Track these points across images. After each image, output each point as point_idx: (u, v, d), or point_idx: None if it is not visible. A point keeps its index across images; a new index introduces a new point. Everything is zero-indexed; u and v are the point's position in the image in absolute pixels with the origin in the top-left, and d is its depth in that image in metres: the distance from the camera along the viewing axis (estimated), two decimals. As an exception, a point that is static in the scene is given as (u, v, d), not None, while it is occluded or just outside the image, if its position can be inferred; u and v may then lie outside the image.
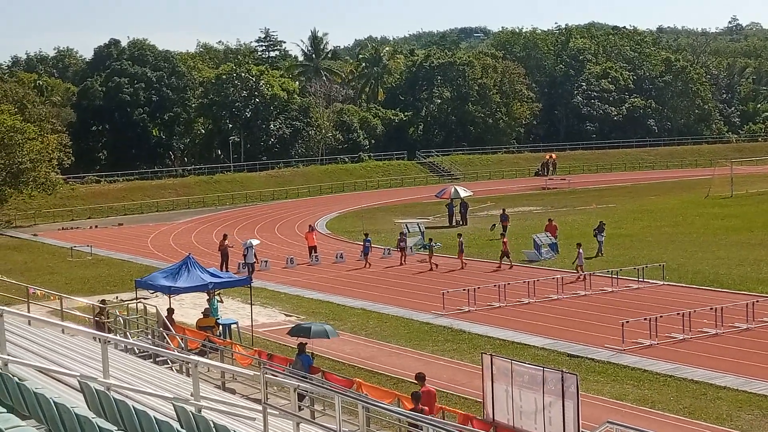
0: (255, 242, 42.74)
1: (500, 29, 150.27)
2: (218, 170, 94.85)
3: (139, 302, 28.91)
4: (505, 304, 32.61)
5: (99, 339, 13.50)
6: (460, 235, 44.26)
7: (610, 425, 9.02)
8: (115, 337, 23.89)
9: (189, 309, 32.33)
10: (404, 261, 43.50)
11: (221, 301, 32.77)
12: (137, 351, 22.23)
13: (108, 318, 27.02)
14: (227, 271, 38.65)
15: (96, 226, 69.49)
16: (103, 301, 28.48)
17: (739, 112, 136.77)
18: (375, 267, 43.17)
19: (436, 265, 41.57)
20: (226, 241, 44.09)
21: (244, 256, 41.45)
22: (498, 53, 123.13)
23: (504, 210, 53.67)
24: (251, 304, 29.92)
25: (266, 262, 43.47)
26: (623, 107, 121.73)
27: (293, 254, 46.24)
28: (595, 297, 33.69)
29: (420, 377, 18.87)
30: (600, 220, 45.68)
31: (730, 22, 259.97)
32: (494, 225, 51.89)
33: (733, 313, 28.50)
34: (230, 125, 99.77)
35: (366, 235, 45.54)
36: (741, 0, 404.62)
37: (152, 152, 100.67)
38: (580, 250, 37.74)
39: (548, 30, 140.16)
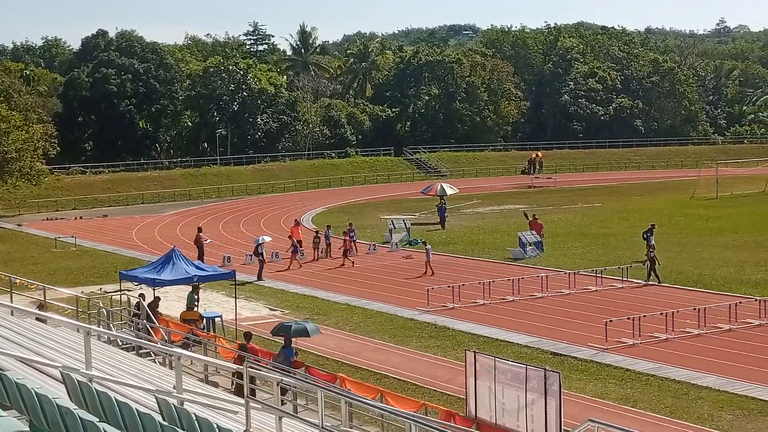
0: (267, 239, 41.94)
1: (489, 27, 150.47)
2: (204, 163, 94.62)
3: (123, 294, 28.78)
4: (489, 301, 32.68)
5: (81, 330, 13.44)
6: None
7: (592, 424, 9.04)
8: (98, 328, 23.81)
9: (173, 302, 32.20)
10: (317, 256, 44.51)
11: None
12: (120, 343, 22.16)
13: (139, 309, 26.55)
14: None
15: (81, 217, 69.20)
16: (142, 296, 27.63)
17: (725, 114, 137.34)
18: (360, 262, 43.15)
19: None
20: (201, 233, 44.04)
21: (259, 254, 39.87)
22: (487, 51, 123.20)
23: (534, 217, 46.98)
24: (236, 298, 29.84)
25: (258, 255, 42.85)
26: (610, 107, 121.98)
27: (278, 248, 46.11)
28: (579, 296, 33.78)
29: (247, 336, 23.05)
30: (651, 223, 41.99)
31: (718, 24, 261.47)
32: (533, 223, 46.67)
33: (715, 314, 28.66)
34: (217, 118, 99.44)
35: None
36: (729, 2, 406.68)
37: (138, 144, 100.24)
38: (428, 246, 40.16)
39: (537, 29, 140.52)
